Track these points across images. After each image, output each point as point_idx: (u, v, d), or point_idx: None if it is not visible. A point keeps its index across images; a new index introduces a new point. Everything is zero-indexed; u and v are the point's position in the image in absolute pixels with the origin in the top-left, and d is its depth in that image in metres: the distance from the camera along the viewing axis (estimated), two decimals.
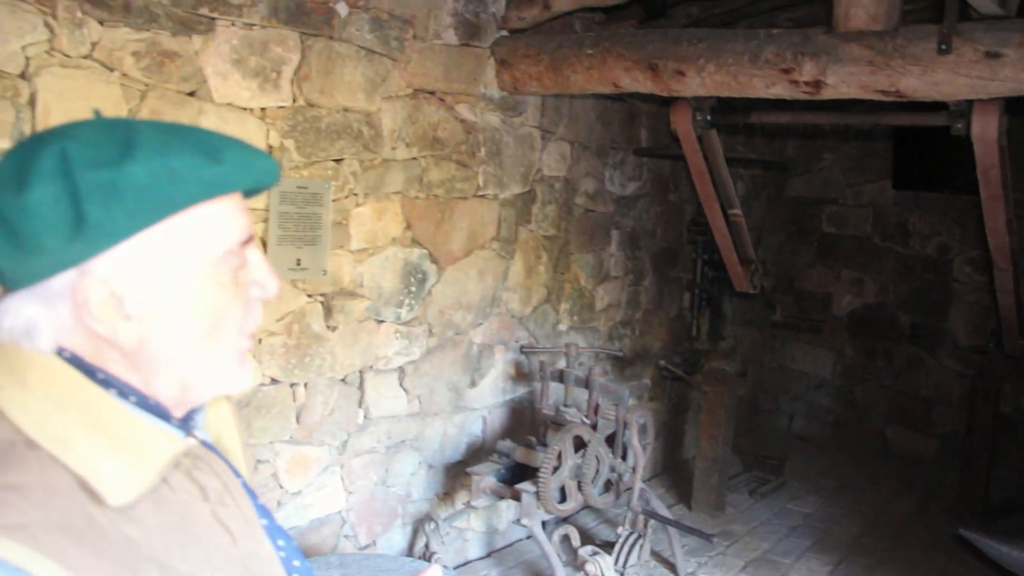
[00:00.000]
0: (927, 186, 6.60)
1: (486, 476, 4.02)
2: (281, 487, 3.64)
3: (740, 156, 6.34)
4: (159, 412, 1.03)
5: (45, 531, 0.87)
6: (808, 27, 3.75)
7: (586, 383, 4.26)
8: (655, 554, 4.68)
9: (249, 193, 1.06)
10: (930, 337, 6.81)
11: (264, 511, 1.16)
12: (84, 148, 0.90)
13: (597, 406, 4.21)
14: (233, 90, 3.20)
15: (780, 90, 3.64)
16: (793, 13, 4.76)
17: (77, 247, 0.91)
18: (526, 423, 4.78)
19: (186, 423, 1.08)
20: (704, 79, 3.74)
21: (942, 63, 3.24)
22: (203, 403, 1.13)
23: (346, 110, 3.60)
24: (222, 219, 1.00)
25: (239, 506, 1.08)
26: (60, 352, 0.97)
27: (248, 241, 1.05)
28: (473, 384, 4.52)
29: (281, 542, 1.17)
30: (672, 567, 4.63)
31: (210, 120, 3.14)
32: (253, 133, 3.28)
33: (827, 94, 3.56)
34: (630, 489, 4.20)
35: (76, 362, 0.97)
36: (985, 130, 3.67)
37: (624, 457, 4.18)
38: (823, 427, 7.30)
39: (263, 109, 3.31)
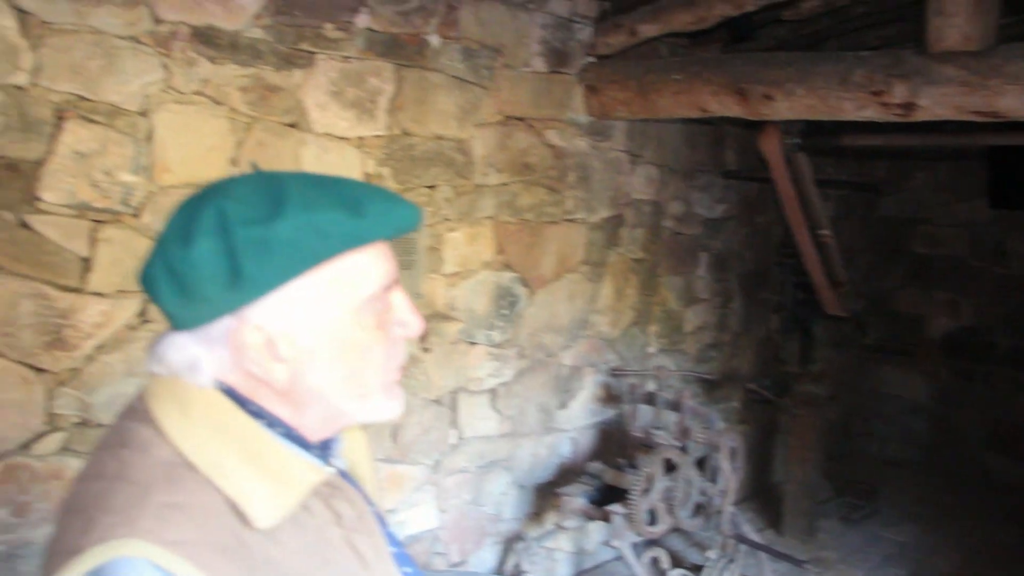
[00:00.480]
0: None
1: (576, 497, 4.06)
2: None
3: (830, 177, 6.28)
4: (302, 443, 1.11)
5: (201, 548, 0.96)
6: (898, 46, 3.73)
7: (676, 406, 4.28)
8: None
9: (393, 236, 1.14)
10: None
11: (393, 538, 1.25)
12: (238, 206, 1.00)
13: (687, 429, 4.22)
14: (332, 120, 3.33)
15: (871, 113, 3.62)
16: (882, 31, 4.73)
17: (234, 296, 1.01)
18: (615, 445, 4.81)
19: (324, 451, 1.17)
20: (793, 103, 3.74)
21: None
22: (340, 434, 1.21)
23: (439, 138, 3.71)
24: (365, 268, 1.08)
25: (370, 533, 1.16)
26: (218, 386, 1.07)
27: (392, 285, 1.13)
28: (563, 406, 4.57)
29: (408, 569, 1.25)
30: None
31: (310, 149, 3.27)
32: (351, 162, 3.40)
33: (919, 116, 3.52)
34: (720, 512, 4.19)
35: (231, 395, 1.07)
36: None
37: (714, 480, 4.18)
38: (917, 452, 7.13)
39: (360, 138, 3.43)
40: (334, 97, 3.32)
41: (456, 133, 3.77)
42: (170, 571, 0.93)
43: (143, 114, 2.84)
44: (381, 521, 1.24)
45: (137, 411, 1.09)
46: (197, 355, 1.05)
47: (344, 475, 1.22)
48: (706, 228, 5.44)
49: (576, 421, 4.67)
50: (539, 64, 4.08)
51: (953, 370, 7.01)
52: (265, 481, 1.03)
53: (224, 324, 1.04)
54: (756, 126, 4.52)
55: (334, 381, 1.09)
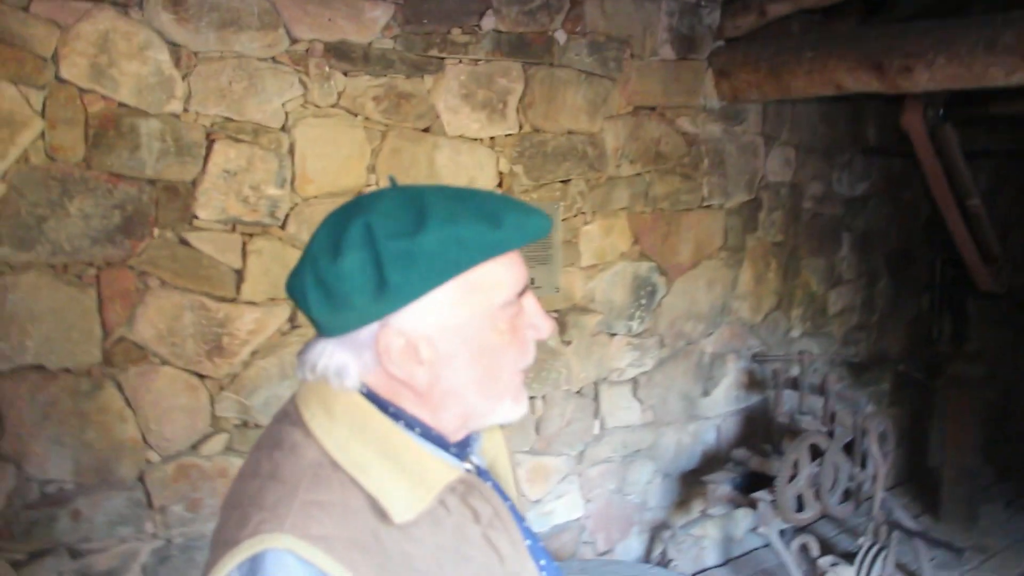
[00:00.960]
0: None
1: (722, 484, 4.05)
2: (523, 496, 3.82)
3: (980, 148, 6.00)
4: (440, 442, 1.19)
5: (341, 543, 1.05)
6: None
7: (821, 390, 4.21)
8: (900, 567, 4.51)
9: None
10: None
11: (529, 533, 1.30)
12: (384, 220, 1.08)
13: (834, 413, 4.14)
14: (463, 123, 3.42)
15: (1022, 77, 3.46)
16: None
17: (380, 305, 1.08)
18: (760, 431, 4.75)
19: (463, 449, 1.24)
20: (934, 73, 3.60)
21: None
22: (480, 432, 1.29)
23: (570, 133, 3.75)
24: (501, 276, 1.15)
25: (507, 529, 1.21)
26: (360, 389, 1.15)
27: (524, 290, 1.19)
28: (705, 393, 4.55)
29: (543, 562, 1.30)
30: None
31: (444, 152, 3.37)
32: (484, 161, 3.49)
33: None
34: (871, 498, 4.10)
35: (372, 398, 1.15)
36: None
37: (863, 465, 4.09)
38: None
39: (492, 138, 3.51)
40: (464, 99, 3.41)
41: (587, 127, 3.80)
42: (312, 563, 1.02)
43: (284, 130, 3.00)
44: (517, 516, 1.29)
45: (289, 415, 1.19)
46: (344, 360, 1.13)
47: (482, 472, 1.28)
48: (848, 207, 5.30)
49: (719, 408, 4.65)
50: (667, 52, 4.06)
51: None
52: (402, 478, 1.11)
53: (369, 331, 1.11)
54: (897, 99, 4.37)
55: (470, 382, 1.16)
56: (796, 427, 4.08)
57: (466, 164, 3.43)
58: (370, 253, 1.07)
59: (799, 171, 4.90)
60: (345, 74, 3.10)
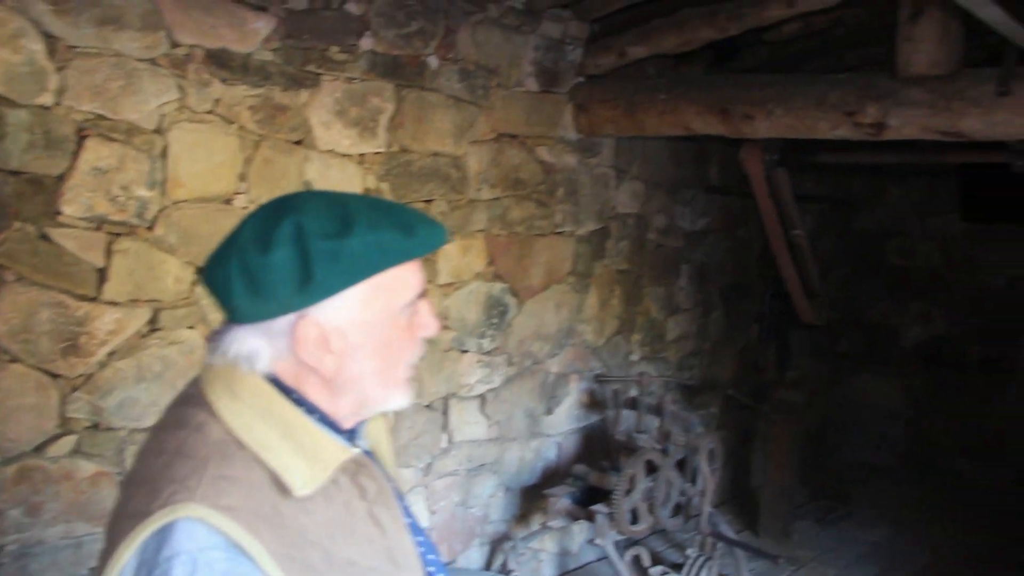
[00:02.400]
0: (996, 218, 6.66)
1: (561, 498, 4.24)
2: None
3: (808, 193, 6.49)
4: (335, 428, 1.31)
5: (247, 514, 1.15)
6: (874, 65, 3.93)
7: (657, 410, 4.47)
8: None
9: None
10: (1001, 369, 6.86)
11: (408, 512, 1.43)
12: (314, 221, 1.19)
13: (668, 432, 4.41)
14: (335, 138, 3.49)
15: (844, 132, 3.83)
16: (860, 52, 4.94)
17: (302, 298, 1.20)
18: (598, 449, 4.99)
19: (352, 434, 1.36)
20: (772, 122, 3.94)
21: (1001, 105, 3.41)
22: (366, 419, 1.41)
23: (436, 154, 3.88)
24: (407, 279, 1.29)
25: (389, 506, 1.34)
26: (265, 375, 1.25)
27: (422, 294, 1.33)
28: (549, 411, 4.75)
29: (420, 538, 1.43)
30: None
31: (314, 166, 3.42)
32: (352, 177, 3.57)
33: (889, 135, 3.74)
34: (699, 513, 4.38)
35: (276, 384, 1.26)
36: None
37: (694, 481, 4.37)
38: (891, 458, 7.35)
39: (361, 155, 3.60)
40: (338, 116, 3.49)
41: (452, 150, 3.95)
42: (222, 530, 1.12)
43: (159, 132, 2.99)
44: (399, 496, 1.43)
45: (192, 397, 1.28)
46: (257, 347, 1.23)
47: (368, 455, 1.40)
48: (688, 241, 5.64)
49: (561, 426, 4.85)
50: (531, 84, 4.27)
51: (926, 378, 7.24)
52: (301, 457, 1.21)
53: (287, 320, 1.21)
54: (738, 143, 4.72)
55: (371, 372, 1.29)
56: (633, 444, 4.32)
57: (335, 179, 3.50)
58: (299, 250, 1.17)
59: (646, 204, 5.19)
60: (223, 82, 3.12)
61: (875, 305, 7.44)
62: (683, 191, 5.52)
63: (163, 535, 1.12)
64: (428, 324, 1.35)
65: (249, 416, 1.22)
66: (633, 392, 4.76)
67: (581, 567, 5.02)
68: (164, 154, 3.01)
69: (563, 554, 4.95)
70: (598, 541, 4.06)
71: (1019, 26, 3.03)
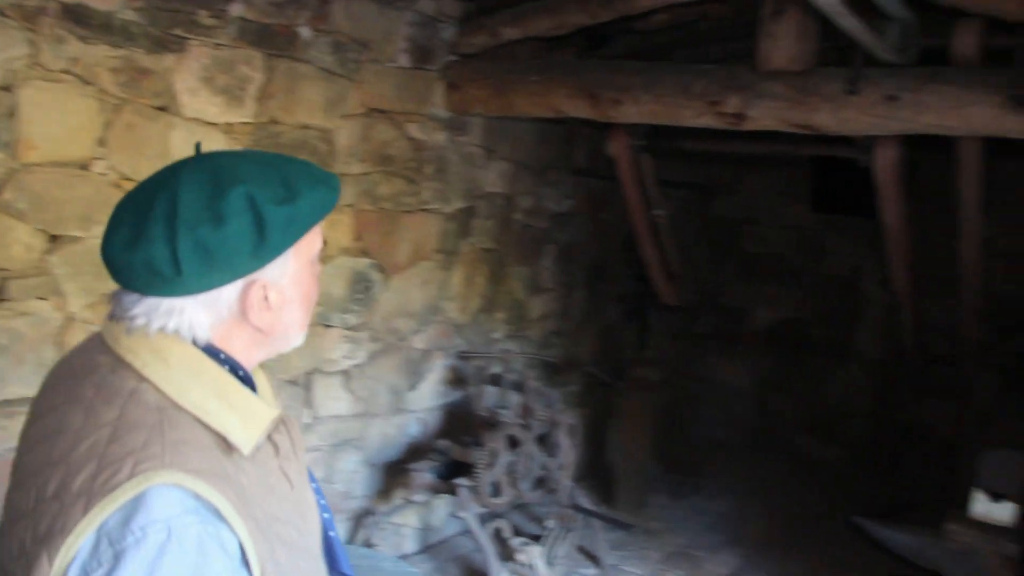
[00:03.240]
0: (843, 210, 7.04)
1: (424, 472, 4.29)
2: None
3: (669, 178, 6.68)
4: (251, 386, 1.35)
5: (211, 475, 1.18)
6: (736, 60, 4.11)
7: (520, 387, 4.56)
8: (580, 548, 5.00)
9: None
10: (840, 350, 7.27)
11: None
12: (263, 190, 1.23)
13: (530, 408, 4.50)
14: (201, 106, 3.41)
15: (707, 120, 3.99)
16: (724, 46, 5.13)
17: (254, 263, 1.25)
18: (461, 425, 5.05)
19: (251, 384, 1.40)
20: (639, 108, 4.06)
21: (849, 103, 3.62)
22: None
23: (305, 127, 3.84)
24: (317, 231, 1.37)
25: (299, 460, 1.41)
26: (192, 339, 1.28)
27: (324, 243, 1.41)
28: (413, 387, 4.77)
29: (314, 486, 1.51)
30: (596, 560, 4.95)
31: (179, 133, 3.34)
32: (218, 146, 3.49)
33: (749, 126, 3.92)
34: (559, 486, 4.50)
35: (207, 348, 1.29)
36: (885, 163, 4.07)
37: (554, 456, 4.48)
38: (739, 434, 7.67)
39: (229, 124, 3.53)
40: (205, 83, 3.40)
41: (322, 123, 3.91)
42: (196, 493, 1.14)
43: (7, 89, 2.84)
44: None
45: (100, 366, 1.27)
46: (198, 316, 1.27)
47: None
48: (554, 222, 5.74)
49: (425, 402, 4.89)
50: (404, 60, 4.26)
51: (773, 358, 7.59)
52: (236, 417, 1.26)
53: (235, 287, 1.28)
54: (605, 127, 4.83)
55: (296, 320, 1.39)
56: (495, 420, 4.40)
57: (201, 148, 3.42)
58: (254, 218, 1.22)
59: (513, 184, 5.26)
60: (82, 40, 2.97)
61: (729, 288, 7.74)
62: (550, 173, 5.61)
63: (133, 506, 1.11)
64: (318, 267, 1.45)
65: (183, 380, 1.24)
66: (496, 369, 4.85)
67: (443, 541, 5.09)
68: (13, 114, 2.86)
69: (425, 528, 5.01)
70: (460, 514, 4.13)
71: (869, 32, 3.23)
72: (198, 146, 1.37)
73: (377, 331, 4.46)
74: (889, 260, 4.94)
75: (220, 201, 1.21)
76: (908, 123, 3.58)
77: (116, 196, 3.06)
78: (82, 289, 3.10)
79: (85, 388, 1.26)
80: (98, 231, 3.04)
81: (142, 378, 1.24)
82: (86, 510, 1.12)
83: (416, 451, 4.77)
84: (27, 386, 2.98)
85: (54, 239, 3.02)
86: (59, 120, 3.00)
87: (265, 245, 1.24)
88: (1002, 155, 5.54)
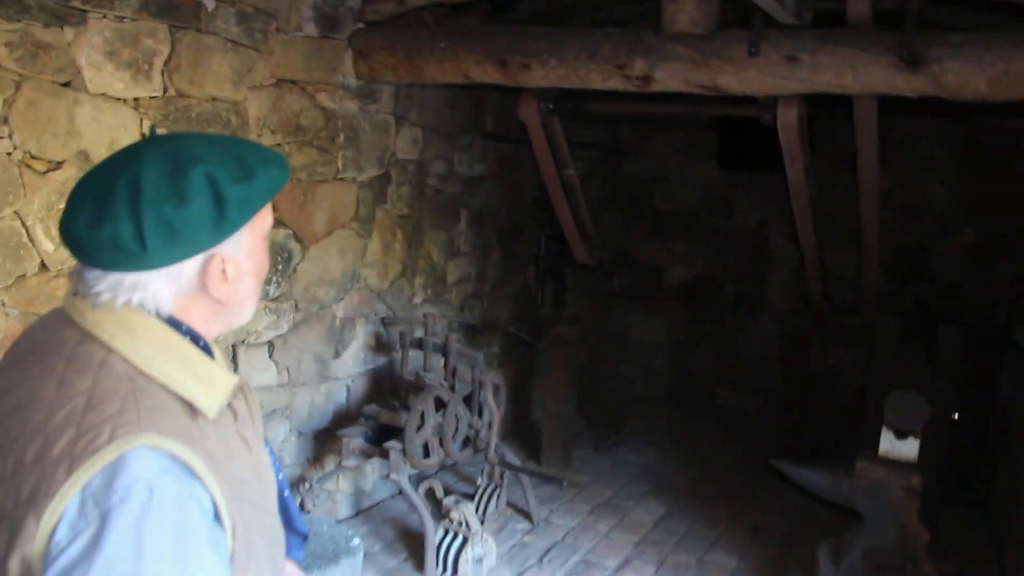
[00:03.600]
0: (748, 166, 7.25)
1: (355, 438, 4.35)
2: None
3: (578, 140, 6.80)
4: (210, 353, 1.41)
5: (184, 438, 1.25)
6: (640, 24, 4.22)
7: (443, 349, 4.64)
8: (510, 504, 5.13)
9: None
10: (752, 303, 7.52)
11: None
12: (221, 169, 1.30)
13: (455, 369, 4.59)
14: (107, 81, 3.37)
15: (615, 83, 4.10)
16: (628, 9, 5.24)
17: (214, 238, 1.31)
18: (387, 390, 5.12)
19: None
20: (547, 72, 4.15)
21: (751, 64, 3.77)
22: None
23: (215, 99, 3.83)
24: (268, 208, 1.43)
25: (255, 425, 1.48)
26: (156, 312, 1.34)
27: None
28: (337, 355, 4.82)
29: (267, 448, 1.58)
30: (527, 515, 5.08)
31: (86, 110, 3.29)
32: (127, 122, 3.46)
33: (656, 87, 4.04)
34: (487, 444, 4.61)
35: (170, 321, 1.35)
36: (787, 121, 4.24)
37: (480, 415, 4.58)
38: (658, 389, 7.91)
39: (136, 99, 3.50)
40: (108, 57, 3.36)
41: (231, 95, 3.90)
42: (173, 454, 1.22)
43: None
44: None
45: (66, 341, 1.33)
46: (161, 289, 1.32)
47: None
48: (466, 186, 5.82)
49: (350, 369, 4.94)
50: (311, 29, 4.26)
51: (688, 314, 7.81)
52: (200, 385, 1.33)
53: (196, 261, 1.33)
54: (514, 92, 4.90)
55: (250, 292, 1.45)
56: (421, 383, 4.47)
57: (109, 124, 3.38)
58: (214, 196, 1.29)
59: (425, 150, 5.31)
60: None
61: (642, 246, 7.91)
62: (460, 138, 5.67)
63: (114, 467, 1.18)
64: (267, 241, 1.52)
65: (149, 351, 1.30)
66: (419, 333, 4.92)
67: (375, 504, 5.16)
68: None
69: (358, 493, 5.07)
70: (393, 476, 4.20)
71: None
72: (153, 128, 1.45)
73: (299, 300, 4.48)
74: (794, 215, 5.13)
75: (182, 180, 1.27)
76: (807, 83, 3.74)
77: (26, 176, 3.07)
78: None
79: (55, 361, 1.31)
80: (8, 212, 3.03)
81: (110, 350, 1.30)
82: (69, 473, 1.17)
83: (344, 417, 4.83)
84: None
85: None
86: None
87: (224, 221, 1.30)
88: (898, 111, 5.82)
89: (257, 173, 1.34)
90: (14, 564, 1.19)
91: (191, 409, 1.30)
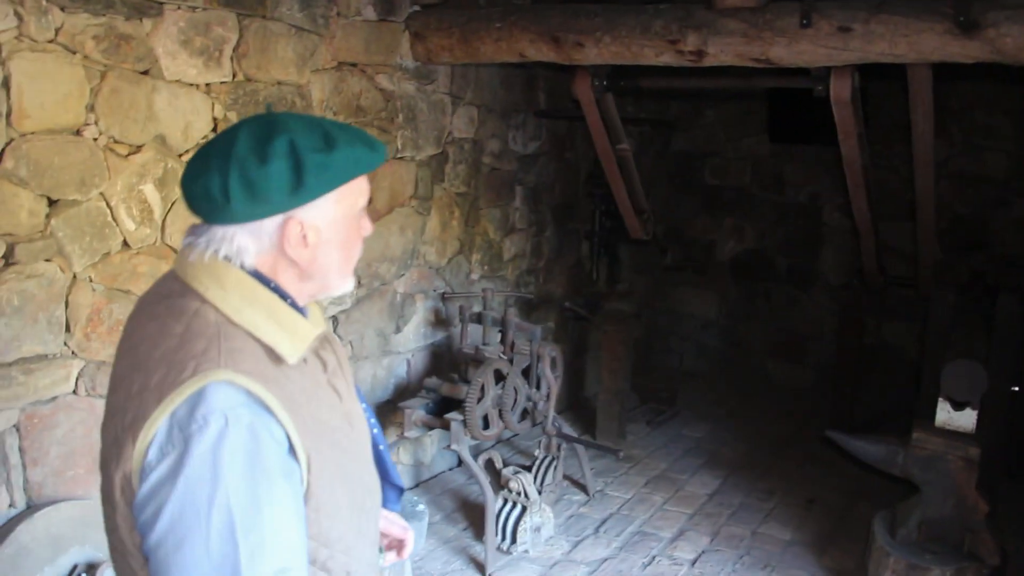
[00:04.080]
0: (800, 139, 7.24)
1: (417, 410, 4.47)
2: None
3: (629, 116, 6.85)
4: (300, 310, 1.55)
5: (259, 376, 1.40)
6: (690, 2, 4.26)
7: (502, 323, 4.75)
8: (567, 477, 5.24)
9: None
10: (804, 277, 7.53)
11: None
12: (304, 138, 1.43)
13: (513, 343, 4.70)
14: (181, 68, 3.52)
15: (668, 58, 4.15)
16: None
17: (292, 200, 1.44)
18: (446, 364, 5.25)
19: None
20: (601, 49, 4.21)
21: (804, 35, 3.79)
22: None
23: (280, 83, 3.95)
24: (363, 187, 1.57)
25: (345, 376, 1.63)
26: (246, 268, 1.49)
27: (369, 202, 1.59)
28: (398, 330, 4.95)
29: (364, 405, 1.73)
30: (583, 487, 5.19)
31: (162, 96, 3.45)
32: (200, 107, 3.61)
33: (708, 62, 4.08)
34: (545, 416, 4.72)
35: (256, 275, 1.50)
36: (840, 92, 4.25)
37: (538, 387, 4.69)
38: (710, 363, 7.97)
39: (208, 85, 3.64)
40: (183, 45, 3.50)
41: (295, 79, 4.03)
42: (246, 388, 1.37)
43: None
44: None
45: (173, 292, 1.50)
46: (245, 243, 1.47)
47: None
48: (521, 163, 5.91)
49: (411, 344, 5.07)
50: (369, 13, 4.37)
51: (740, 289, 7.84)
52: (284, 333, 1.48)
53: (275, 221, 1.46)
54: (566, 70, 4.96)
55: (334, 262, 1.56)
56: (481, 356, 4.58)
57: (183, 108, 3.53)
58: (294, 162, 1.41)
59: (480, 129, 5.41)
60: (63, 10, 3.07)
61: (693, 221, 7.95)
62: (514, 116, 5.76)
63: (196, 398, 1.35)
64: (368, 225, 1.63)
65: (237, 302, 1.46)
66: (477, 308, 5.03)
67: (434, 477, 5.30)
68: (6, 84, 2.97)
69: (417, 465, 5.21)
70: (454, 447, 4.32)
71: None
72: (269, 106, 1.61)
73: (361, 277, 4.61)
74: (848, 187, 5.13)
75: (267, 144, 1.41)
76: (860, 53, 3.76)
77: (110, 159, 3.22)
78: (84, 250, 3.23)
79: (160, 308, 1.50)
80: (94, 194, 3.19)
81: (204, 300, 1.46)
82: (159, 402, 1.36)
83: (405, 391, 4.96)
84: (42, 344, 3.13)
85: (54, 203, 3.14)
86: (49, 89, 3.10)
87: (302, 186, 1.42)
88: (954, 79, 5.77)
89: (338, 147, 1.45)
90: (118, 479, 1.38)
91: (273, 354, 1.45)
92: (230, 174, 1.40)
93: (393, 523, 1.96)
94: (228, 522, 1.32)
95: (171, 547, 1.32)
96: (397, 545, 1.97)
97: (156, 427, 1.35)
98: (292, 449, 1.41)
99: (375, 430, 1.76)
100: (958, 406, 4.18)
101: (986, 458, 4.10)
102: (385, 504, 1.83)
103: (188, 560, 1.32)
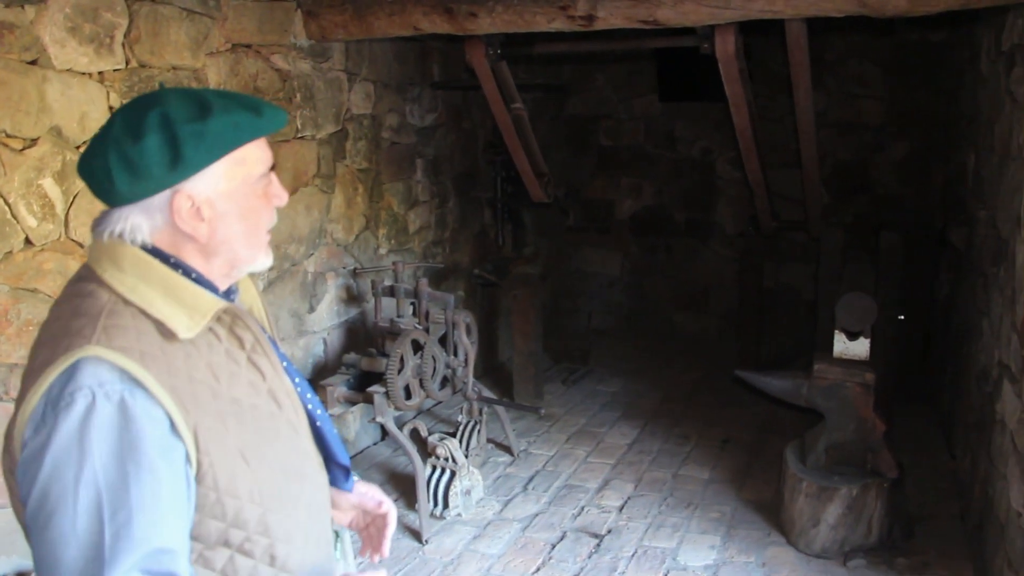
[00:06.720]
0: (688, 97, 7.46)
1: (338, 386, 4.51)
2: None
3: (522, 82, 6.93)
4: (210, 287, 1.54)
5: (136, 353, 1.39)
6: None
7: (415, 294, 4.81)
8: (490, 440, 5.35)
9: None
10: (702, 229, 7.77)
11: (284, 357, 1.68)
12: (177, 110, 1.42)
13: (427, 313, 4.77)
14: (72, 56, 3.43)
15: (559, 24, 4.23)
16: None
17: (174, 175, 1.42)
18: (362, 339, 5.28)
19: (227, 296, 1.60)
20: (494, 18, 4.28)
21: None
22: (237, 284, 1.64)
23: (175, 68, 3.91)
24: (258, 154, 1.53)
25: (267, 354, 1.57)
26: (144, 247, 1.48)
27: (272, 168, 1.57)
28: (312, 309, 4.96)
29: (297, 380, 1.69)
30: (507, 448, 5.31)
31: (54, 86, 3.36)
32: (95, 96, 3.54)
33: (599, 26, 4.18)
34: (464, 382, 4.80)
35: (155, 252, 1.49)
36: (725, 49, 4.40)
37: (456, 354, 4.77)
38: (618, 320, 8.17)
39: (101, 73, 3.57)
40: (71, 33, 3.41)
41: (190, 63, 3.98)
42: (117, 365, 1.36)
43: None
44: (274, 345, 1.67)
45: (82, 276, 1.50)
46: (137, 222, 1.46)
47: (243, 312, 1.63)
48: (420, 136, 5.95)
49: (325, 322, 5.09)
50: None
51: (641, 245, 8.04)
52: (182, 308, 1.46)
53: (163, 196, 1.44)
54: (459, 41, 5.01)
55: (238, 235, 1.53)
56: (397, 328, 4.64)
57: (77, 98, 3.45)
58: (168, 134, 1.40)
59: (378, 104, 5.43)
60: None
61: (592, 182, 8.11)
62: (410, 89, 5.79)
63: (66, 375, 1.35)
64: (280, 194, 1.60)
65: (132, 281, 1.45)
66: (388, 281, 5.07)
67: (360, 452, 5.34)
68: None
69: (342, 442, 5.23)
70: (379, 419, 4.37)
71: None
72: (161, 84, 1.57)
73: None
74: (737, 141, 5.32)
75: (140, 120, 1.41)
76: (741, 11, 3.91)
77: (4, 154, 3.17)
78: None
79: (63, 295, 1.52)
80: None
81: (102, 282, 1.46)
82: (35, 380, 1.38)
83: (324, 369, 4.99)
84: None
85: None
86: None
87: (181, 158, 1.40)
88: (827, 31, 6.00)
89: (214, 115, 1.43)
90: (6, 462, 1.44)
91: (166, 330, 1.43)
92: (109, 155, 1.41)
93: (368, 497, 1.90)
94: (95, 500, 1.31)
95: (41, 524, 1.33)
96: (378, 522, 1.90)
97: (32, 405, 1.36)
98: (174, 427, 1.39)
99: (310, 406, 1.70)
100: (852, 336, 4.43)
101: (880, 382, 4.35)
102: (333, 483, 1.79)
103: (56, 537, 1.31)
